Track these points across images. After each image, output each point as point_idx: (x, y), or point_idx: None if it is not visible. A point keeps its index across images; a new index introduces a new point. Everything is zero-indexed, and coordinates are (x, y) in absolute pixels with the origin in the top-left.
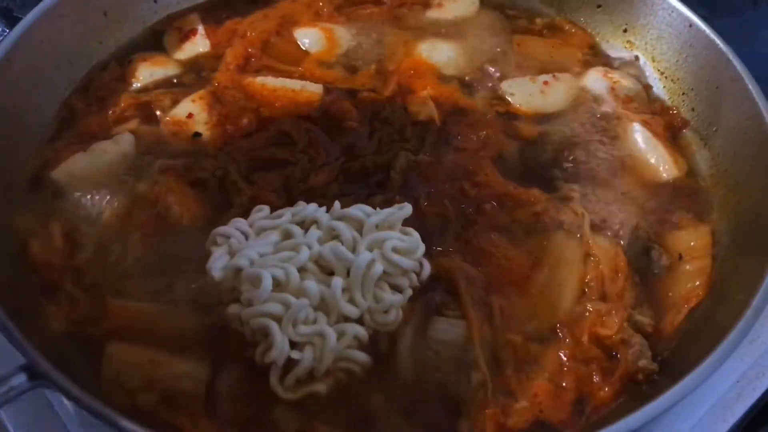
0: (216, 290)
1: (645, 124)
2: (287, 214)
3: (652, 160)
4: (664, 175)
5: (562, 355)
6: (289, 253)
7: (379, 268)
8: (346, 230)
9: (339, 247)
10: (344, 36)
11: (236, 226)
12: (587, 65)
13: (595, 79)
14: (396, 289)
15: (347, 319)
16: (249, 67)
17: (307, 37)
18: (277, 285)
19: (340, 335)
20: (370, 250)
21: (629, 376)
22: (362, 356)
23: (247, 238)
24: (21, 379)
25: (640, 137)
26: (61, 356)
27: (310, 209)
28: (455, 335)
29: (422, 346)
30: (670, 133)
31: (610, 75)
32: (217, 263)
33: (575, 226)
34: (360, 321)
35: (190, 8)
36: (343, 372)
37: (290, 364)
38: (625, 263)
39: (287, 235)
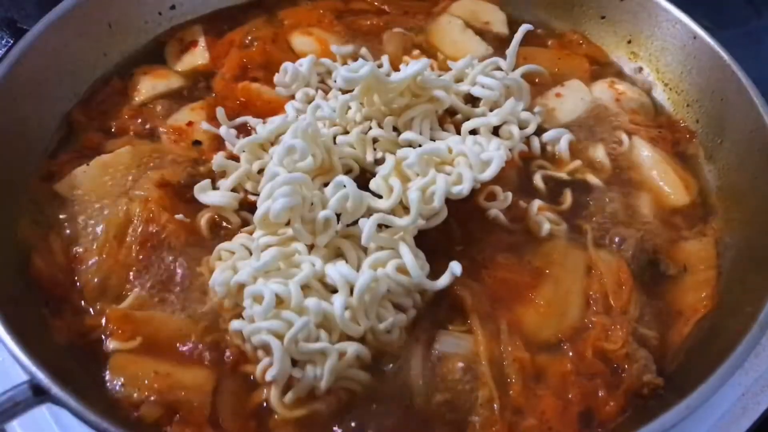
0: (218, 305)
1: (653, 140)
2: (290, 230)
3: (663, 185)
4: (675, 201)
5: (567, 369)
6: (292, 270)
7: (382, 287)
8: (350, 248)
9: (342, 265)
10: (341, 45)
11: (240, 241)
12: (594, 76)
13: (601, 90)
14: (399, 308)
15: (350, 337)
16: (244, 77)
17: (302, 46)
18: (280, 302)
19: (342, 354)
20: (374, 269)
21: (634, 391)
22: (364, 376)
23: (251, 254)
24: (26, 394)
25: (649, 157)
26: (65, 370)
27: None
28: (462, 349)
29: (430, 363)
30: (677, 146)
31: (616, 86)
32: (220, 278)
33: (577, 239)
34: (362, 340)
35: (193, 20)
36: (344, 391)
37: (291, 381)
38: (629, 276)
39: (291, 252)
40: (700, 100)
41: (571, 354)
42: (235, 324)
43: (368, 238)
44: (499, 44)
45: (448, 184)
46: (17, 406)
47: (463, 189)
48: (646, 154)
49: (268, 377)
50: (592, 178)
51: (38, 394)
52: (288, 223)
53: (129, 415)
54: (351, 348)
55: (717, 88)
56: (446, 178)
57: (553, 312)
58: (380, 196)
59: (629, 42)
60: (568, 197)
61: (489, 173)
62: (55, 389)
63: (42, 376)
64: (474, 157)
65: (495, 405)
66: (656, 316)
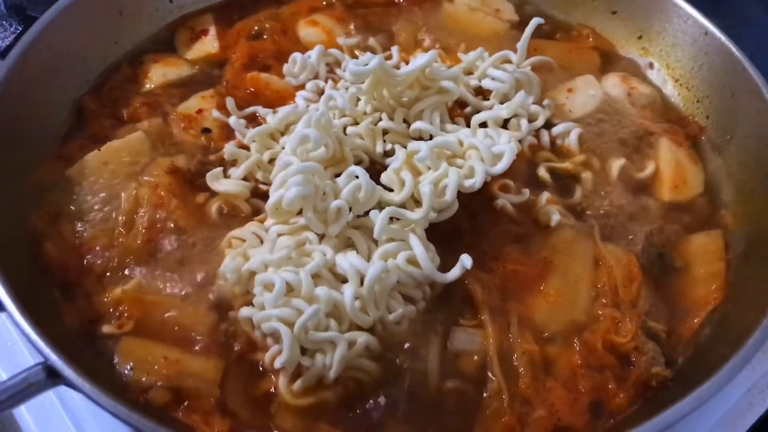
0: (229, 292)
1: (666, 134)
2: (302, 219)
3: (672, 180)
4: (684, 196)
5: (576, 362)
6: (303, 259)
7: (392, 278)
8: (361, 239)
9: (353, 255)
10: (349, 35)
11: (251, 229)
12: (604, 70)
13: (612, 85)
14: (409, 300)
15: (359, 327)
16: (254, 66)
17: (308, 37)
18: (290, 290)
19: (351, 344)
20: (385, 260)
21: (643, 383)
22: (372, 366)
23: (262, 242)
24: (39, 376)
25: (663, 152)
26: (77, 353)
27: None
28: (475, 344)
29: (443, 355)
30: (687, 141)
31: (627, 81)
32: (231, 265)
33: (585, 232)
34: (371, 330)
35: (204, 8)
36: (351, 380)
37: (299, 369)
38: (638, 269)
39: (302, 241)
40: (711, 96)
41: (580, 346)
42: (244, 311)
43: (380, 231)
44: (511, 27)
45: (460, 178)
46: (31, 388)
47: (475, 182)
48: (660, 149)
49: (277, 365)
50: (589, 179)
51: (51, 377)
52: (300, 212)
53: (137, 398)
54: (360, 338)
55: (727, 85)
56: (458, 171)
57: (562, 301)
58: (391, 189)
59: (640, 37)
60: (577, 191)
61: (501, 166)
62: (69, 372)
63: (56, 359)
64: (486, 150)
65: (504, 396)
66: (665, 310)
